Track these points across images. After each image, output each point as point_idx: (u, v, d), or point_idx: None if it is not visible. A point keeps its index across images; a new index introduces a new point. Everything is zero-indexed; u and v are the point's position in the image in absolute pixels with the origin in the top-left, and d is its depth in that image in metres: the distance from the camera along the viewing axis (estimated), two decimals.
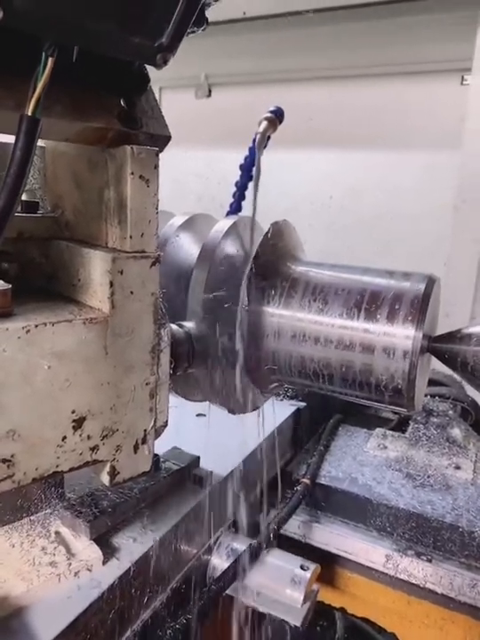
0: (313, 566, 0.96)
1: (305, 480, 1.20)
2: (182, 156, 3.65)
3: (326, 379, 0.84)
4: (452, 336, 0.81)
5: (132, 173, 0.65)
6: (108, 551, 0.79)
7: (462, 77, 2.91)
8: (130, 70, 0.64)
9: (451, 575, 1.06)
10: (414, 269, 0.84)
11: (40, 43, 0.50)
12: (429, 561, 1.08)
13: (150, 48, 0.55)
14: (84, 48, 0.55)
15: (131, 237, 0.66)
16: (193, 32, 0.63)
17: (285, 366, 0.88)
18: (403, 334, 0.76)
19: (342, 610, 1.25)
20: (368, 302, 0.79)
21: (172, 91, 3.69)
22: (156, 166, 0.67)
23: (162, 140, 0.70)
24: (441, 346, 0.81)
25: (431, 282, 0.79)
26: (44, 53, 0.50)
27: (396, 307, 0.77)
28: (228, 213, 1.29)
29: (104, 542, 0.80)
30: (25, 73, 0.52)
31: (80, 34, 0.51)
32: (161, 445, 0.81)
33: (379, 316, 0.78)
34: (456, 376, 1.58)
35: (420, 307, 0.76)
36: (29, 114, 0.51)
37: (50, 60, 0.51)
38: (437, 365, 0.92)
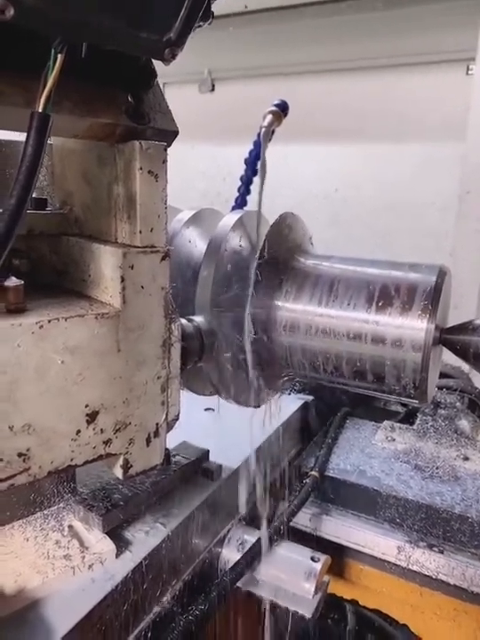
0: (323, 557, 0.96)
1: (314, 473, 1.20)
2: (186, 151, 3.65)
3: (338, 372, 0.84)
4: (465, 327, 0.80)
5: (141, 168, 0.65)
6: (121, 544, 0.79)
7: (468, 67, 2.89)
8: (137, 65, 0.64)
9: (463, 566, 1.06)
10: (420, 260, 0.84)
11: (49, 39, 0.50)
12: (441, 552, 1.08)
13: (159, 43, 0.55)
14: (93, 44, 0.55)
15: (140, 232, 0.67)
16: (199, 26, 0.62)
17: (296, 360, 0.88)
18: (415, 326, 0.76)
19: (354, 602, 1.25)
20: (380, 295, 0.79)
21: (176, 86, 3.68)
22: (165, 161, 0.67)
23: (169, 134, 0.70)
24: (453, 337, 0.81)
25: (442, 273, 0.79)
26: (53, 50, 0.50)
27: (409, 299, 0.77)
28: (234, 208, 1.29)
29: (116, 535, 0.81)
30: (33, 70, 0.52)
31: (89, 30, 0.51)
32: (170, 440, 0.81)
33: (391, 309, 0.77)
34: (463, 367, 1.59)
35: (432, 298, 0.76)
36: (40, 110, 0.51)
37: (59, 56, 0.51)
38: (443, 356, 0.92)
